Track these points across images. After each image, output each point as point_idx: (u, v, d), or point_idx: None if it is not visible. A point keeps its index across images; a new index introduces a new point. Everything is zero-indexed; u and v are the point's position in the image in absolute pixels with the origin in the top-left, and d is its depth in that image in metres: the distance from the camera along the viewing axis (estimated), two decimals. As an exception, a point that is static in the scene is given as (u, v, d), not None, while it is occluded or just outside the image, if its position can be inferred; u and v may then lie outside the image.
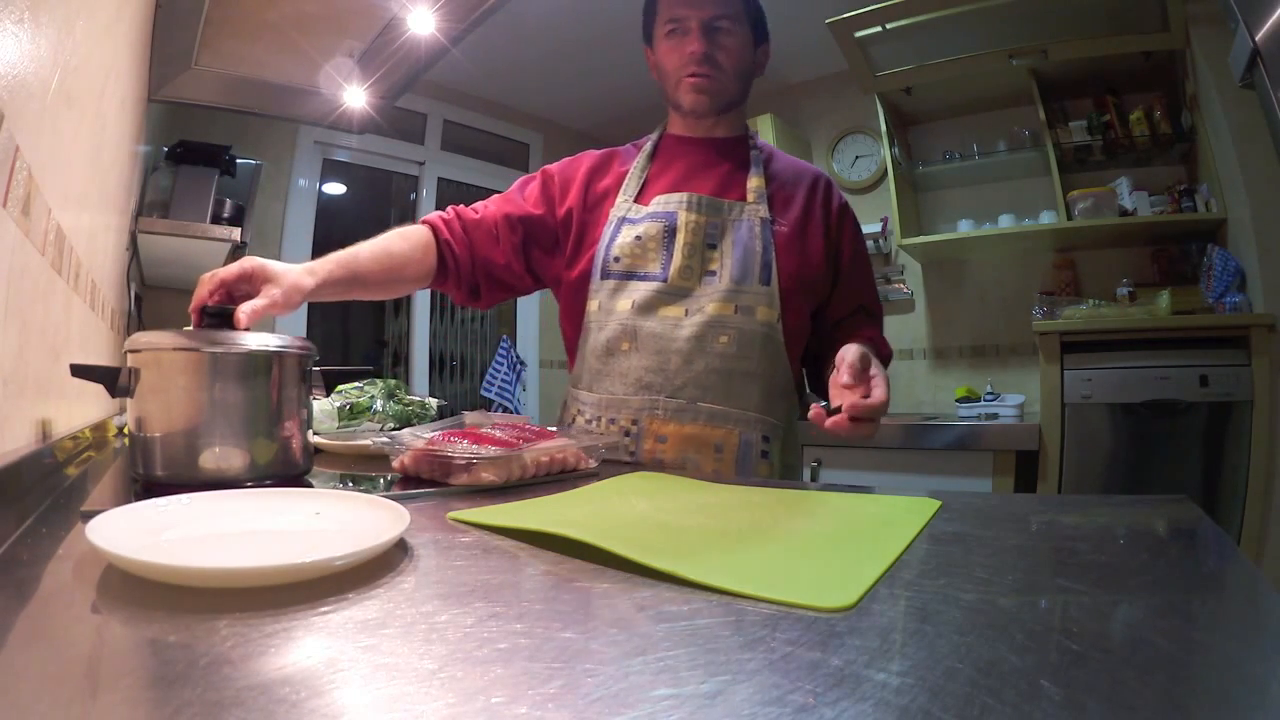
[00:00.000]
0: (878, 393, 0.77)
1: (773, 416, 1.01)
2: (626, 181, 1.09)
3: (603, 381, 1.03)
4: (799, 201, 1.06)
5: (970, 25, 2.22)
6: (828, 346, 1.02)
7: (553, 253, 1.10)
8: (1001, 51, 2.30)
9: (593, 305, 1.05)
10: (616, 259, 1.03)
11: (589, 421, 1.04)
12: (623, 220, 1.05)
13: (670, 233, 1.01)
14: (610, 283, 1.03)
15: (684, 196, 1.03)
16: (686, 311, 0.99)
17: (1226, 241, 2.11)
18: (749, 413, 0.98)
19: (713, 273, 1.01)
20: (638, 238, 1.02)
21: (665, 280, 1.00)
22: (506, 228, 1.06)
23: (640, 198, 1.07)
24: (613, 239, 1.04)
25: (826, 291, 1.07)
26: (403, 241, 1.00)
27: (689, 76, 1.04)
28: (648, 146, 1.12)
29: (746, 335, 0.98)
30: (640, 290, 1.01)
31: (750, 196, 1.04)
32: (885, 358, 1.01)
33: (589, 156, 1.14)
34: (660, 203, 1.04)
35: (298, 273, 0.80)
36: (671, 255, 1.01)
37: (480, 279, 1.07)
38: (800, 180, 1.08)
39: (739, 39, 1.05)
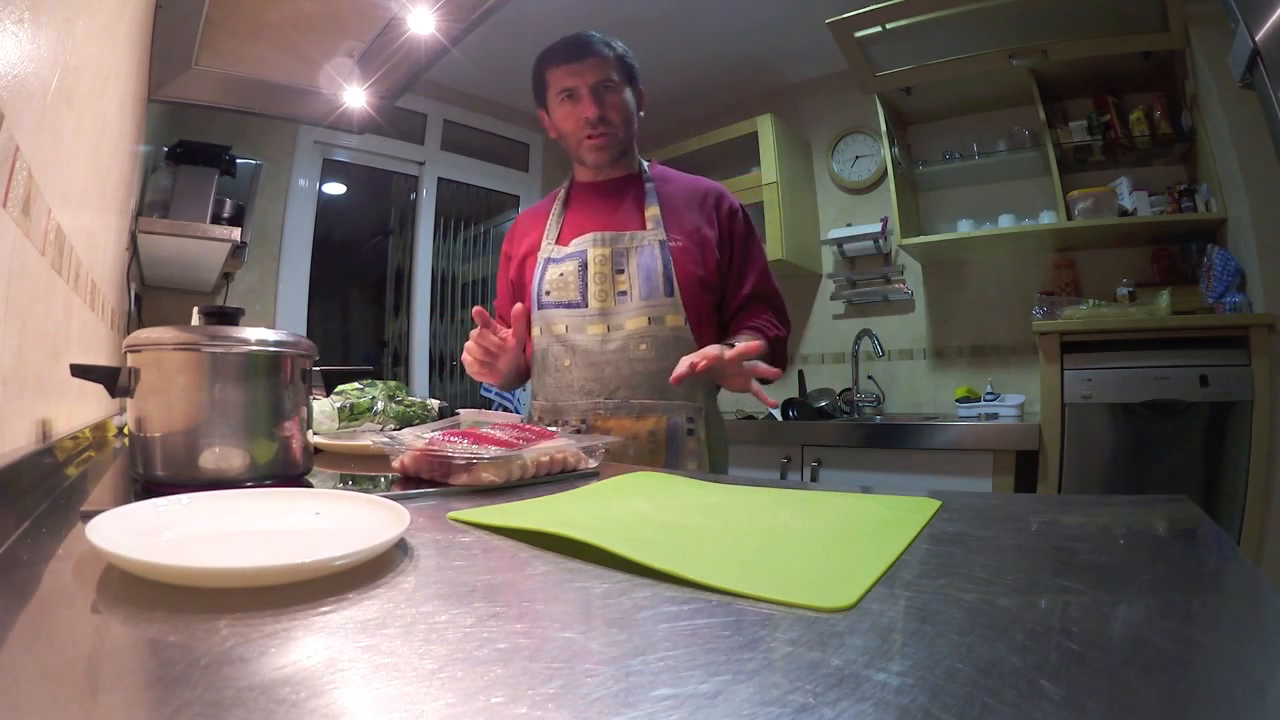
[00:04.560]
0: (738, 348, 1.02)
1: (694, 401, 1.21)
2: (548, 227, 1.30)
3: (555, 391, 1.24)
4: (692, 215, 1.25)
5: (970, 25, 2.22)
6: (730, 334, 1.25)
7: None
8: (1001, 51, 2.30)
9: (535, 332, 1.26)
10: (547, 292, 1.24)
11: (549, 425, 1.18)
12: (548, 260, 1.26)
13: (583, 267, 1.22)
14: (546, 312, 1.24)
15: (591, 235, 1.23)
16: (609, 328, 1.20)
17: (1226, 241, 2.11)
18: (673, 401, 1.19)
19: (624, 293, 1.20)
20: (561, 274, 1.23)
21: (586, 305, 1.21)
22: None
23: (560, 239, 1.27)
24: (542, 276, 1.25)
25: (725, 285, 1.26)
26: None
27: (588, 138, 1.23)
28: (561, 194, 1.34)
29: (661, 340, 1.18)
30: (569, 316, 1.22)
31: (648, 224, 1.23)
32: (774, 340, 1.22)
33: (520, 218, 1.39)
34: (575, 243, 1.24)
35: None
36: (587, 285, 1.21)
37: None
38: (694, 196, 1.27)
39: (621, 95, 1.23)
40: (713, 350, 0.99)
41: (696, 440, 1.19)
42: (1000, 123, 2.60)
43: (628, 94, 1.24)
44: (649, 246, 1.20)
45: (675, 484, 0.74)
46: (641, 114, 1.29)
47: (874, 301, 2.92)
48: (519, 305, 1.10)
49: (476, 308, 1.08)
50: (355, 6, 1.59)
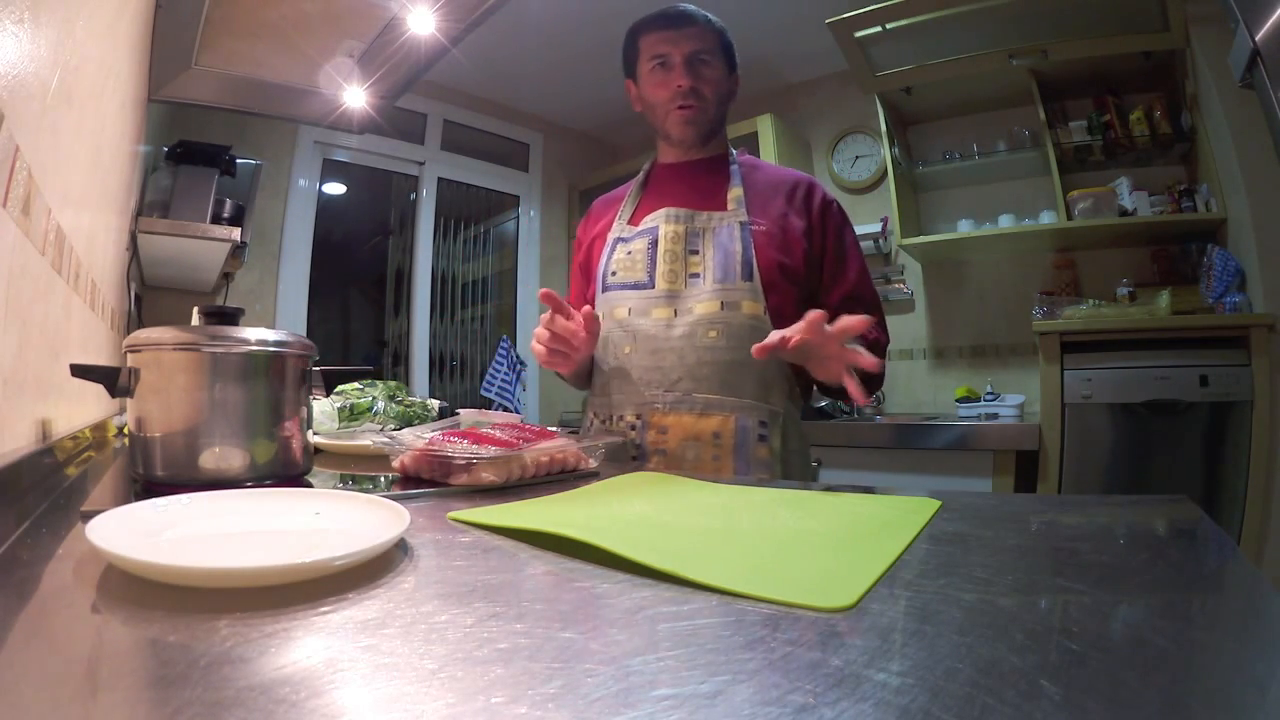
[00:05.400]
0: (841, 322, 0.86)
1: (769, 403, 1.07)
2: (622, 208, 1.20)
3: (611, 383, 1.12)
4: (779, 203, 1.13)
5: (970, 25, 2.22)
6: None
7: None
8: (1001, 51, 2.30)
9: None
10: (613, 273, 1.14)
11: (603, 423, 1.12)
12: (617, 240, 1.16)
13: (654, 244, 1.11)
14: (610, 295, 1.13)
15: (664, 211, 1.12)
16: (676, 312, 1.08)
17: (1226, 241, 2.11)
18: (744, 400, 1.05)
19: (697, 275, 1.09)
20: (629, 253, 1.13)
21: (653, 286, 1.09)
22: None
23: (633, 219, 1.18)
24: (609, 256, 1.15)
25: (815, 283, 1.13)
26: None
27: (677, 109, 1.13)
28: (640, 176, 1.23)
29: (734, 328, 1.05)
30: (633, 298, 1.10)
31: (730, 205, 1.12)
32: (873, 343, 1.08)
33: (596, 202, 1.29)
34: (646, 220, 1.14)
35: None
36: (656, 263, 1.10)
37: None
38: (782, 184, 1.16)
39: (717, 70, 1.14)
40: (815, 314, 0.83)
41: (769, 449, 1.04)
42: (1000, 123, 2.60)
43: (723, 72, 1.15)
44: (728, 227, 1.09)
45: (675, 484, 0.74)
46: (733, 101, 1.20)
47: (874, 301, 2.92)
48: (587, 308, 1.01)
49: (544, 289, 0.98)
50: (355, 6, 1.59)
